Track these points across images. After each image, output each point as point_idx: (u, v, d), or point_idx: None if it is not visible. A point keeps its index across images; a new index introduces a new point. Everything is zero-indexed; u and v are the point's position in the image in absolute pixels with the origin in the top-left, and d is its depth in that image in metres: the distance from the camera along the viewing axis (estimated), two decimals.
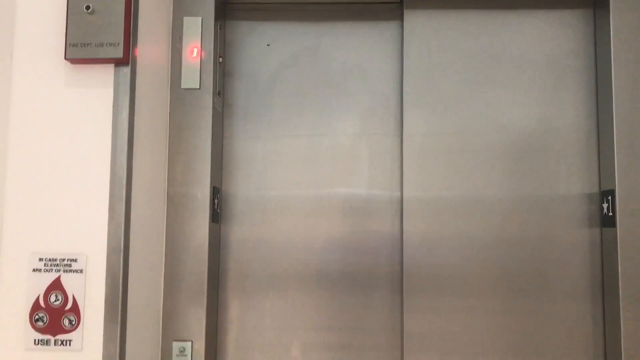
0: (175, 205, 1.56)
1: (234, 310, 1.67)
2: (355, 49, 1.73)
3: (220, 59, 1.67)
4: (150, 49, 1.48)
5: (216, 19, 1.62)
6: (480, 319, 1.61)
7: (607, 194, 1.57)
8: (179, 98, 1.59)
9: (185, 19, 1.60)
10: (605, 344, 1.59)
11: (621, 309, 1.49)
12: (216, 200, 1.63)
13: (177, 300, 1.55)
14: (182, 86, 1.59)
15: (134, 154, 1.37)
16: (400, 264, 1.65)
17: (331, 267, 1.67)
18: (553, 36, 1.68)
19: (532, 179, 1.65)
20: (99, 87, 1.36)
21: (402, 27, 1.71)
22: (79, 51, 1.34)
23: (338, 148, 1.70)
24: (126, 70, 1.36)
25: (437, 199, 1.64)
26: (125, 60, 1.35)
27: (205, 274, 1.55)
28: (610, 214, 1.55)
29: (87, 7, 1.34)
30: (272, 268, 1.67)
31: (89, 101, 1.35)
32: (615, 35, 1.56)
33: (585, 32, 1.68)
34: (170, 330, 1.55)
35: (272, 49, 1.74)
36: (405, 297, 1.61)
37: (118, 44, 1.33)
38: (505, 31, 1.69)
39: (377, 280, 1.66)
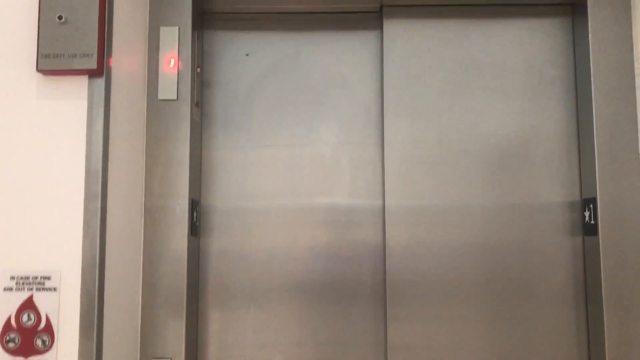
0: (152, 218, 1.53)
1: (215, 325, 1.64)
2: (335, 58, 1.72)
3: (198, 69, 1.65)
4: (126, 60, 1.45)
5: (194, 28, 1.59)
6: (465, 328, 1.60)
7: (588, 202, 1.57)
8: (155, 109, 1.55)
9: (162, 28, 1.57)
10: (589, 351, 1.58)
11: (605, 317, 1.48)
12: (195, 213, 1.60)
13: (155, 316, 1.51)
14: (159, 97, 1.55)
15: (109, 166, 1.33)
16: (383, 273, 1.63)
17: (313, 277, 1.64)
18: (533, 45, 1.69)
19: (514, 186, 1.64)
20: (72, 98, 1.32)
21: (382, 36, 1.70)
22: (52, 62, 1.30)
23: (319, 157, 1.68)
24: (100, 81, 1.32)
25: (419, 207, 1.63)
26: (100, 71, 1.31)
27: (184, 289, 1.51)
28: (592, 222, 1.55)
29: (60, 17, 1.31)
30: (253, 280, 1.65)
31: (62, 113, 1.32)
32: (593, 44, 1.57)
33: (565, 40, 1.69)
34: (148, 347, 1.51)
35: (251, 58, 1.72)
36: (389, 307, 1.60)
37: (92, 54, 1.30)
38: (485, 40, 1.69)
39: (360, 290, 1.64)
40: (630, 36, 1.56)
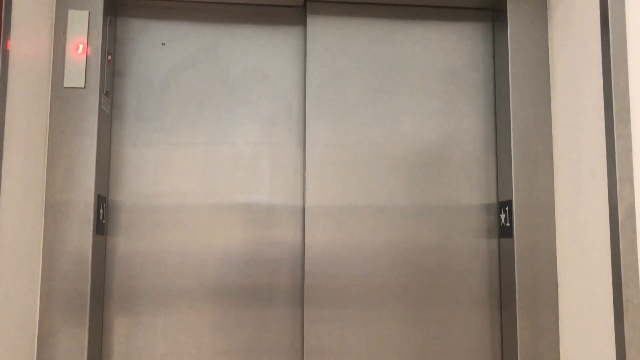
0: (54, 215, 1.42)
1: (121, 331, 1.54)
2: (256, 52, 1.66)
3: (110, 57, 1.55)
4: (28, 43, 1.34)
5: (105, 13, 1.50)
6: (383, 329, 1.59)
7: (504, 205, 1.60)
8: (60, 97, 1.45)
9: (70, 11, 1.47)
10: (502, 351, 1.60)
11: (517, 318, 1.51)
12: (101, 210, 1.49)
13: (55, 320, 1.40)
14: (65, 85, 1.45)
15: (4, 157, 1.22)
16: (301, 274, 1.59)
17: (229, 280, 1.58)
18: (454, 48, 1.70)
19: (433, 188, 1.64)
20: None
21: (305, 32, 1.66)
22: None
23: (238, 155, 1.62)
24: None
25: (339, 208, 1.60)
26: None
27: (88, 292, 1.41)
28: (508, 224, 1.57)
29: None
30: (164, 283, 1.56)
31: None
32: (512, 50, 1.59)
33: (485, 45, 1.71)
34: (47, 355, 1.40)
35: (168, 48, 1.64)
36: (306, 309, 1.56)
37: None
38: (408, 41, 1.69)
39: (277, 292, 1.59)
40: (547, 43, 1.60)
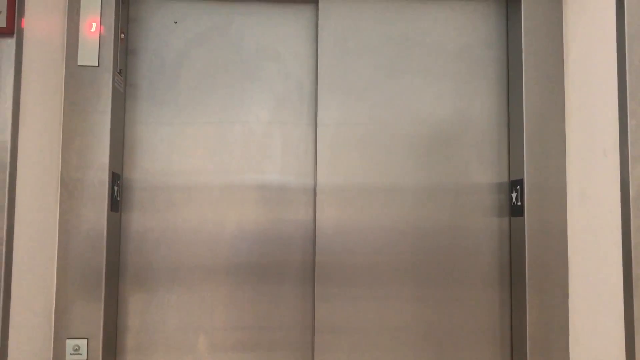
0: (69, 191, 1.44)
1: (136, 306, 1.57)
2: (268, 30, 1.66)
3: (123, 36, 1.56)
4: (42, 21, 1.35)
5: None
6: (393, 308, 1.60)
7: (516, 184, 1.59)
8: (75, 75, 1.46)
9: None
10: (512, 329, 1.61)
11: (527, 296, 1.51)
12: (116, 188, 1.51)
13: (71, 294, 1.43)
14: (79, 63, 1.46)
15: (19, 134, 1.24)
16: (312, 252, 1.60)
17: (241, 258, 1.60)
18: (467, 27, 1.68)
19: (444, 168, 1.64)
20: None
21: (317, 10, 1.65)
22: None
23: (250, 134, 1.63)
24: (11, 41, 1.23)
25: (350, 186, 1.61)
26: (10, 30, 1.22)
27: (103, 266, 1.44)
28: (519, 203, 1.57)
29: None
30: (178, 260, 1.58)
31: None
32: (526, 28, 1.58)
33: (498, 24, 1.69)
34: (63, 327, 1.43)
35: (180, 27, 1.64)
36: (317, 287, 1.58)
37: (0, 11, 1.20)
38: (420, 19, 1.67)
39: (288, 269, 1.61)
40: (561, 20, 1.58)
